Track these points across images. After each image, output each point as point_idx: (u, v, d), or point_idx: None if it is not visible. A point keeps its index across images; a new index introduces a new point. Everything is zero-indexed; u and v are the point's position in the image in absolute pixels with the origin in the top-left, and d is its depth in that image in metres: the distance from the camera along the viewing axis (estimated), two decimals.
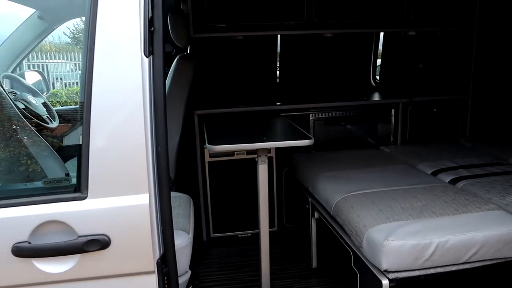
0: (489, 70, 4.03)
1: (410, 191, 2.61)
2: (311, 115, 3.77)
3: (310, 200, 3.11)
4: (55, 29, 2.78)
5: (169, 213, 1.57)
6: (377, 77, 4.63)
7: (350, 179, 2.91)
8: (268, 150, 2.54)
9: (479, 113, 4.14)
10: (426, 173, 3.10)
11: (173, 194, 2.66)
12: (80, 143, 1.45)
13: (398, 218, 2.22)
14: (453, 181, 2.87)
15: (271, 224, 3.71)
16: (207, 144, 2.44)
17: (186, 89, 3.10)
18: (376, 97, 4.13)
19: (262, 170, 2.58)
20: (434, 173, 3.08)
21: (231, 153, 3.52)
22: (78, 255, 1.40)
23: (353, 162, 3.35)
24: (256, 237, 2.82)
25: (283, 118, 3.32)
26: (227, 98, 4.14)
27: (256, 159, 2.58)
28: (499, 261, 2.16)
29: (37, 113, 2.71)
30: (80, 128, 1.51)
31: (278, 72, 4.33)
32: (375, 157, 3.50)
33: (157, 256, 1.50)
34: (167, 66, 3.38)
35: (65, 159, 1.96)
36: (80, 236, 1.39)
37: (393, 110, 3.95)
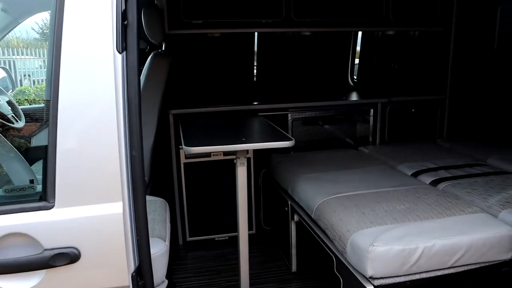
0: (466, 70, 4.04)
1: (393, 193, 2.56)
2: (289, 115, 3.69)
3: (289, 202, 3.02)
4: (20, 23, 2.61)
5: (145, 222, 1.45)
6: (355, 77, 4.59)
7: (331, 181, 2.84)
8: (247, 151, 2.45)
9: (456, 113, 4.15)
10: (407, 174, 3.07)
11: (148, 198, 2.53)
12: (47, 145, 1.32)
13: (382, 222, 2.15)
14: (434, 183, 2.84)
15: (249, 227, 3.61)
16: (183, 146, 2.33)
17: (161, 88, 2.98)
18: (355, 96, 4.09)
19: (241, 172, 2.48)
20: (415, 174, 3.04)
21: (208, 154, 3.41)
22: (44, 270, 1.28)
23: (333, 163, 3.29)
24: (234, 240, 2.72)
25: (261, 118, 3.24)
26: (203, 97, 4.03)
27: (235, 161, 2.48)
28: (483, 265, 2.12)
29: (1, 112, 2.54)
30: (48, 129, 1.38)
31: (255, 71, 4.23)
32: (355, 158, 3.45)
33: (132, 268, 1.38)
34: (141, 63, 3.24)
35: (32, 162, 1.82)
36: (46, 250, 1.27)
37: (371, 110, 3.91)
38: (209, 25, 3.54)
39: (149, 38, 3.01)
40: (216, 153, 3.38)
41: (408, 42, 4.54)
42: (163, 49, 3.32)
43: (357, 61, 4.58)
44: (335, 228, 2.25)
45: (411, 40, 4.53)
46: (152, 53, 3.03)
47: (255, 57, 4.18)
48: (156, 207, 2.40)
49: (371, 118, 3.93)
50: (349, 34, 4.34)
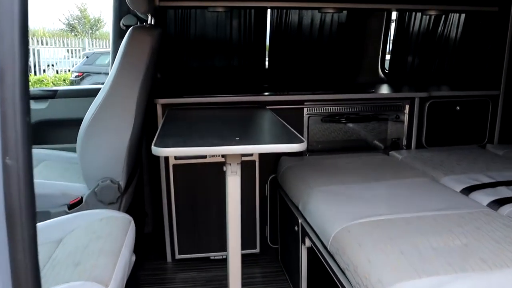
0: None
1: (441, 220, 1.85)
2: (305, 110, 2.99)
3: (300, 221, 2.34)
4: None
5: (33, 267, 0.80)
6: (386, 67, 3.86)
7: (355, 198, 2.15)
8: (240, 156, 1.78)
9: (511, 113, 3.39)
10: (455, 190, 2.34)
11: (104, 214, 1.89)
12: None
13: (432, 270, 1.45)
14: (495, 204, 2.11)
15: (252, 245, 2.95)
16: (152, 145, 1.67)
17: (141, 70, 2.32)
18: (386, 90, 3.36)
19: (233, 184, 1.82)
20: (466, 191, 2.32)
21: (202, 155, 2.75)
22: None
23: (358, 172, 2.59)
24: None
25: (269, 112, 2.56)
26: (201, 85, 3.38)
27: (224, 169, 1.81)
28: None
29: None
30: None
31: (267, 56, 3.55)
32: (385, 166, 2.74)
33: None
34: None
35: None
36: None
37: (407, 107, 3.19)
38: None
39: (130, 6, 2.36)
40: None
41: (453, 25, 3.78)
42: (150, 23, 2.67)
43: (389, 48, 3.84)
44: (359, 272, 1.56)
45: (457, 23, 3.78)
46: (132, 27, 2.37)
47: (268, 40, 3.49)
48: (111, 230, 1.75)
49: (406, 116, 3.20)
50: (381, 15, 3.61)
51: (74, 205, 2.40)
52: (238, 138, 1.76)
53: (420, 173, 2.60)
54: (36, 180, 2.32)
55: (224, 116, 2.44)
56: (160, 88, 3.28)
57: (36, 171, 2.66)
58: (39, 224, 1.78)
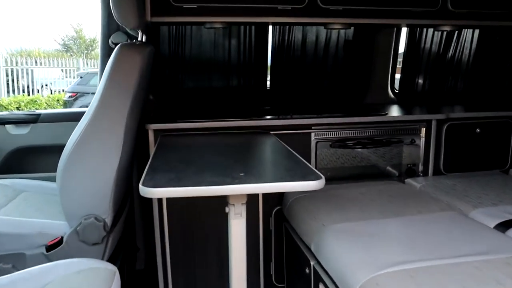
0: None
1: (485, 269, 1.55)
2: (312, 134, 2.72)
3: (312, 263, 2.04)
4: None
5: None
6: (396, 87, 3.60)
7: (378, 238, 1.85)
8: (246, 196, 1.49)
9: None
10: (488, 226, 2.06)
11: (84, 264, 1.58)
12: None
13: None
14: None
15: (256, 284, 2.65)
16: (140, 184, 1.39)
17: (129, 91, 2.04)
18: (398, 111, 3.09)
19: (237, 228, 1.53)
20: (501, 227, 2.03)
21: None
22: None
23: (374, 204, 2.30)
24: None
25: (274, 138, 2.28)
26: (198, 108, 3.11)
27: (227, 210, 1.52)
28: None
29: None
30: None
31: (269, 76, 3.29)
32: (404, 196, 2.45)
33: None
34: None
35: None
36: None
37: (423, 130, 2.92)
38: (207, 10, 2.60)
39: (118, 22, 2.11)
40: None
41: (465, 42, 3.55)
42: (141, 40, 2.40)
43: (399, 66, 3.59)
44: None
45: (469, 40, 3.54)
46: (119, 45, 2.10)
47: (269, 59, 3.24)
48: (93, 285, 1.45)
49: (422, 140, 2.93)
50: (390, 32, 3.37)
51: (53, 246, 2.10)
52: (243, 174, 1.48)
53: (445, 205, 2.32)
54: (11, 218, 1.98)
55: (223, 144, 2.16)
56: (152, 111, 3.00)
57: (13, 205, 2.36)
58: (1, 278, 1.48)
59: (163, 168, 1.64)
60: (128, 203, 2.64)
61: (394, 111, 3.04)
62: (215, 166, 1.68)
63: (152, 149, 2.51)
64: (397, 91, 3.57)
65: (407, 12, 2.82)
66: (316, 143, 2.72)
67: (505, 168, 3.11)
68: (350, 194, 2.48)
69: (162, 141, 2.25)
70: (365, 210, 2.22)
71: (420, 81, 3.58)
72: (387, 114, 2.86)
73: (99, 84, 2.11)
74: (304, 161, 1.74)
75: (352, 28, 3.31)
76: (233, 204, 1.50)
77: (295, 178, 1.46)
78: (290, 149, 1.98)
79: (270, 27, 3.15)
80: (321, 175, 1.49)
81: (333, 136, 2.75)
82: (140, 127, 2.61)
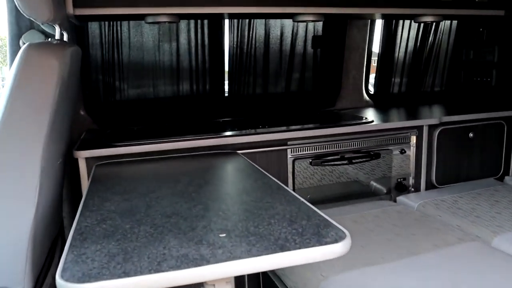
0: None
1: None
2: (289, 151, 2.21)
3: None
4: None
5: None
6: (371, 88, 3.18)
7: None
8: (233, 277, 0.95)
9: None
10: None
11: None
12: None
13: None
14: None
15: None
16: (57, 278, 0.81)
17: (45, 110, 1.43)
18: (377, 116, 2.64)
19: None
20: None
21: None
22: None
23: (377, 238, 1.83)
24: None
25: (245, 162, 1.75)
26: (142, 125, 2.52)
27: None
28: None
29: None
30: None
31: (227, 81, 2.74)
32: (406, 223, 2.00)
33: None
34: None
35: None
36: None
37: (413, 138, 2.49)
38: (145, 0, 2.02)
39: (24, 13, 1.50)
40: None
41: (442, 34, 3.19)
42: (57, 37, 1.78)
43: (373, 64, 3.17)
44: None
45: (447, 32, 3.18)
46: (26, 45, 1.48)
47: (226, 60, 2.69)
48: None
49: (413, 150, 2.50)
50: (364, 25, 2.93)
51: None
52: (223, 235, 0.94)
53: (460, 232, 1.88)
54: None
55: (180, 174, 1.60)
56: (85, 131, 2.38)
57: None
58: None
59: (98, 231, 1.06)
60: (58, 254, 2.01)
61: (373, 116, 2.59)
62: (176, 220, 1.12)
63: (85, 185, 1.90)
64: (372, 93, 3.15)
65: (388, 0, 2.38)
66: (293, 160, 2.22)
67: (499, 175, 2.76)
68: (343, 223, 1.99)
69: (97, 175, 1.65)
70: (368, 249, 1.73)
71: (397, 80, 3.17)
72: (372, 121, 2.40)
73: (1, 101, 1.49)
74: (304, 201, 1.22)
75: (321, 23, 2.84)
76: (213, 285, 0.96)
77: (309, 240, 0.94)
78: (274, 179, 1.45)
79: (227, 22, 2.61)
80: (344, 230, 0.98)
81: (313, 151, 2.26)
82: (69, 153, 2.00)
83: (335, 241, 0.95)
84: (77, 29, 2.36)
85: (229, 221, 1.09)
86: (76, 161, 1.91)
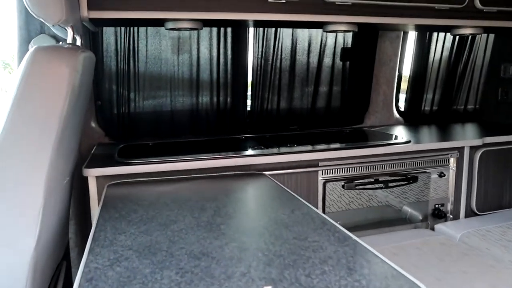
0: None
1: None
2: (319, 173, 2.00)
3: None
4: None
5: None
6: (401, 105, 2.96)
7: None
8: None
9: None
10: None
11: None
12: None
13: None
14: None
15: None
16: None
17: (53, 122, 1.25)
18: (410, 135, 2.43)
19: None
20: None
21: None
22: None
23: (425, 276, 1.60)
24: None
25: (275, 186, 1.54)
26: (158, 139, 2.33)
27: None
28: None
29: None
30: None
31: (249, 95, 2.55)
32: (453, 257, 1.77)
33: None
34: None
35: None
36: None
37: (452, 160, 2.27)
38: (167, 4, 1.84)
39: (35, 15, 1.33)
40: None
41: (478, 49, 2.98)
42: (68, 41, 1.60)
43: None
44: None
45: (483, 47, 2.98)
46: (33, 48, 1.30)
47: (250, 71, 2.50)
48: None
49: (453, 173, 2.28)
50: (397, 37, 2.73)
51: None
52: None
53: None
54: None
55: (204, 202, 1.39)
56: (96, 145, 2.19)
57: None
58: None
59: (111, 277, 0.86)
60: (62, 280, 1.81)
61: (407, 135, 2.38)
62: (208, 264, 0.91)
63: (95, 206, 1.70)
64: (403, 110, 2.94)
65: (429, 10, 2.18)
66: (324, 183, 2.01)
67: None
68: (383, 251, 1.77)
69: (109, 197, 1.45)
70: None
71: (429, 97, 2.96)
72: (410, 142, 2.19)
73: (5, 110, 1.30)
74: (358, 240, 1.01)
75: (351, 34, 2.64)
76: None
77: None
78: (316, 210, 1.25)
79: (251, 32, 2.42)
80: (419, 284, 0.78)
81: (345, 173, 2.05)
82: (77, 170, 1.81)
83: None
84: (91, 35, 2.19)
85: (273, 267, 0.88)
86: (85, 178, 1.72)
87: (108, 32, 2.23)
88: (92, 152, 2.01)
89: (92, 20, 1.75)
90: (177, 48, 2.34)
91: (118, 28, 2.25)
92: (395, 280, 0.83)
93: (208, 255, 0.95)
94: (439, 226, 2.20)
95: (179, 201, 1.37)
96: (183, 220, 1.18)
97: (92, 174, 1.67)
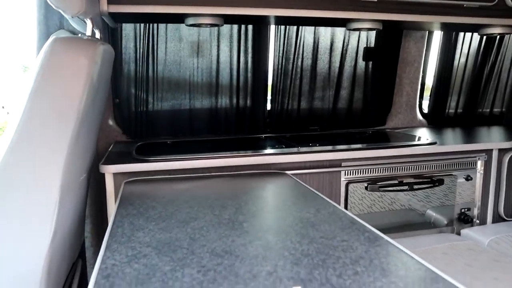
0: None
1: None
2: (342, 173, 1.93)
3: None
4: None
5: None
6: (425, 107, 2.88)
7: None
8: None
9: None
10: None
11: None
12: None
13: None
14: None
15: None
16: None
17: (70, 116, 1.21)
18: (435, 137, 2.34)
19: None
20: None
21: None
22: None
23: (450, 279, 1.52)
24: None
25: (299, 185, 1.48)
26: (176, 138, 2.29)
27: None
28: None
29: None
30: None
31: (270, 93, 2.50)
32: (482, 263, 1.69)
33: None
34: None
35: None
36: None
37: (479, 163, 2.19)
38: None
39: (53, 5, 1.30)
40: None
41: (506, 50, 2.89)
42: (88, 34, 1.57)
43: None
44: None
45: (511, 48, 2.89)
46: (52, 39, 1.27)
47: (270, 70, 2.45)
48: None
49: (480, 176, 2.20)
50: (421, 37, 2.65)
51: None
52: None
53: None
54: None
55: (225, 200, 1.34)
56: (114, 142, 2.16)
57: None
58: None
59: (129, 274, 0.81)
60: (77, 278, 1.77)
61: (431, 137, 2.30)
62: (231, 262, 0.86)
63: (112, 204, 1.66)
64: (426, 112, 2.85)
65: (457, 8, 2.11)
66: (347, 184, 1.94)
67: None
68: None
69: (127, 194, 1.41)
70: None
71: (454, 98, 2.87)
72: (436, 143, 2.11)
73: (22, 102, 1.27)
74: (390, 240, 0.95)
75: (374, 33, 2.58)
76: None
77: None
78: (343, 209, 1.18)
79: (272, 29, 2.37)
80: (459, 286, 0.71)
81: (368, 174, 1.98)
82: (94, 167, 1.77)
83: None
84: (111, 31, 2.17)
85: (301, 267, 0.83)
86: (102, 176, 1.69)
87: (127, 29, 2.20)
88: (109, 149, 1.98)
89: (111, 15, 1.72)
90: (197, 47, 2.30)
91: (138, 26, 2.22)
92: (434, 283, 0.76)
93: (231, 253, 0.89)
94: (465, 231, 2.11)
95: (198, 198, 1.32)
96: (203, 217, 1.13)
97: (109, 171, 1.63)
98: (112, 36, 2.19)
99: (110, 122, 2.25)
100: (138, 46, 2.23)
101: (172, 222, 1.10)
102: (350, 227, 1.04)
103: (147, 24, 2.22)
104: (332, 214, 1.15)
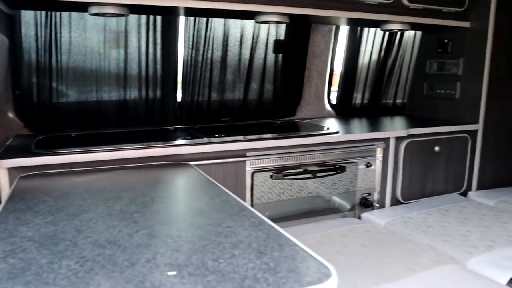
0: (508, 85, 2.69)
1: None
2: (247, 163, 1.99)
3: None
4: None
5: None
6: (332, 98, 3.02)
7: None
8: None
9: (490, 152, 2.74)
10: (499, 283, 1.50)
11: None
12: None
13: None
14: None
15: None
16: None
17: None
18: (341, 127, 2.48)
19: None
20: None
21: None
22: None
23: (346, 261, 1.64)
24: None
25: (200, 176, 1.51)
26: (80, 131, 2.23)
27: None
28: None
29: None
30: None
31: (180, 83, 2.50)
32: (376, 243, 1.83)
33: None
34: None
35: None
36: None
37: (379, 150, 2.35)
38: None
39: None
40: None
41: (406, 45, 3.10)
42: None
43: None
44: None
45: (411, 42, 3.10)
46: None
47: (181, 62, 2.45)
48: None
49: (379, 163, 2.36)
50: (329, 31, 2.78)
51: None
52: (173, 273, 0.72)
53: (433, 253, 1.73)
54: None
55: (122, 192, 1.33)
56: (13, 136, 2.06)
57: None
58: None
59: (1, 269, 0.79)
60: None
61: (337, 127, 2.42)
62: (112, 252, 0.87)
63: (2, 195, 1.59)
64: (334, 103, 3.00)
65: (359, 4, 2.23)
66: (252, 173, 2.00)
67: (462, 190, 2.67)
68: (307, 246, 1.79)
69: (19, 189, 1.36)
70: (339, 276, 1.54)
71: (360, 90, 3.04)
72: (338, 132, 2.23)
73: None
74: (273, 225, 1.01)
75: (284, 26, 2.66)
76: None
77: (285, 279, 0.73)
78: (236, 197, 1.23)
79: (182, 20, 2.37)
80: (327, 265, 0.78)
81: (273, 164, 2.06)
82: None
83: (319, 280, 0.74)
84: (8, 19, 2.05)
85: (181, 253, 0.86)
86: None
87: (27, 16, 2.10)
88: (7, 143, 1.89)
89: (4, 1, 1.63)
90: (103, 37, 2.25)
91: (39, 13, 2.12)
92: (304, 262, 0.83)
93: (115, 243, 0.91)
94: (365, 215, 2.26)
95: (93, 191, 1.31)
96: (95, 209, 1.13)
97: (3, 165, 1.56)
98: (10, 23, 2.07)
99: (10, 115, 2.14)
100: (39, 35, 2.13)
101: (61, 216, 1.08)
102: (238, 214, 1.09)
103: (50, 12, 2.13)
104: (224, 202, 1.19)
